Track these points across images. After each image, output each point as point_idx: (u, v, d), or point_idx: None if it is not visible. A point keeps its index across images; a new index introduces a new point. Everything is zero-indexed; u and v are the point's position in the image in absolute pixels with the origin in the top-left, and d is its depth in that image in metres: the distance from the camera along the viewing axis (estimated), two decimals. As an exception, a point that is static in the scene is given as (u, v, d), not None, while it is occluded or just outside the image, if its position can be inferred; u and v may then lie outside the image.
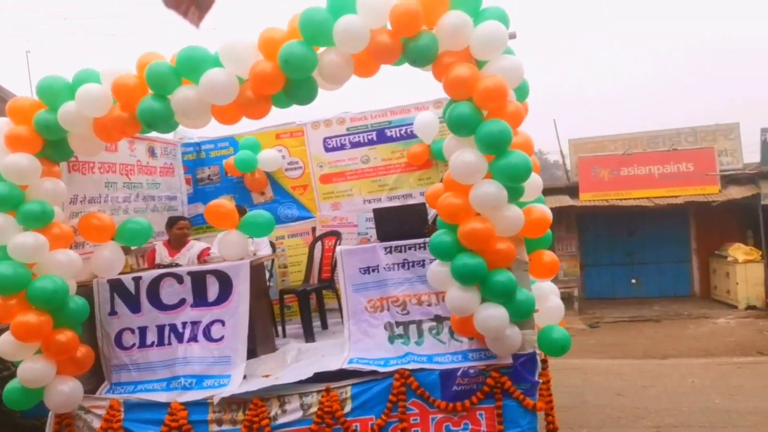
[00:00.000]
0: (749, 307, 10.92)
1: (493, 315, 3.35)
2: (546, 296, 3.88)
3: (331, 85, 3.76)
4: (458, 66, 3.42)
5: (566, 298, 12.07)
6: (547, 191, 12.77)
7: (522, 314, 3.46)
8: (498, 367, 3.53)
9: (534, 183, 3.82)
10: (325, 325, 5.10)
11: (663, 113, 42.79)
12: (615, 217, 12.73)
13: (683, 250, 12.95)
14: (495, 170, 3.38)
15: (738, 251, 11.37)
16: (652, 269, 12.97)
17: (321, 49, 3.60)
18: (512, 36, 3.79)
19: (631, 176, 12.17)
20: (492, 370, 3.52)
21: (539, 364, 3.59)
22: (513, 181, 3.40)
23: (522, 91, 3.86)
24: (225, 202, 4.33)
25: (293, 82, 3.63)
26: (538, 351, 3.61)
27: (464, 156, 3.40)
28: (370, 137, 5.40)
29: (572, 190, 12.47)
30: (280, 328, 5.05)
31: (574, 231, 13.03)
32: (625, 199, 11.93)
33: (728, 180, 11.92)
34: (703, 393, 6.13)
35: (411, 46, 3.50)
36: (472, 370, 3.54)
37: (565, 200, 11.99)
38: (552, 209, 14.06)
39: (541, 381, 3.56)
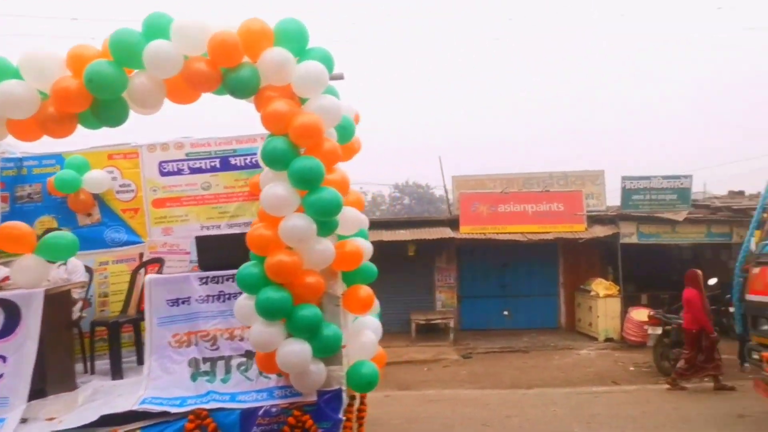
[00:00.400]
0: (607, 339, 11.75)
1: (294, 350, 3.30)
2: (361, 331, 3.90)
3: (143, 109, 3.64)
4: (276, 101, 3.48)
5: (443, 329, 12.37)
6: (431, 223, 13.33)
7: (327, 350, 3.44)
8: (301, 405, 3.45)
9: (354, 218, 3.89)
10: (141, 360, 4.75)
11: (538, 157, 46.58)
12: (491, 251, 13.36)
13: (552, 284, 13.81)
14: (306, 205, 3.44)
15: (600, 286, 12.28)
16: (523, 302, 13.66)
17: (133, 72, 3.49)
18: (338, 77, 3.91)
19: (508, 213, 12.95)
20: (295, 408, 3.44)
21: (345, 400, 3.56)
22: (323, 216, 3.45)
23: (346, 131, 3.96)
24: (18, 224, 3.94)
25: (101, 103, 3.48)
26: (344, 387, 3.59)
27: (275, 189, 3.44)
28: (213, 164, 5.27)
29: (454, 223, 13.03)
30: (89, 364, 4.65)
31: (454, 263, 13.54)
32: (501, 233, 12.61)
33: (593, 220, 13.04)
34: (564, 422, 6.40)
35: (231, 77, 3.53)
36: (274, 409, 3.43)
37: (447, 232, 12.47)
38: (434, 240, 14.28)
39: (344, 418, 3.52)
